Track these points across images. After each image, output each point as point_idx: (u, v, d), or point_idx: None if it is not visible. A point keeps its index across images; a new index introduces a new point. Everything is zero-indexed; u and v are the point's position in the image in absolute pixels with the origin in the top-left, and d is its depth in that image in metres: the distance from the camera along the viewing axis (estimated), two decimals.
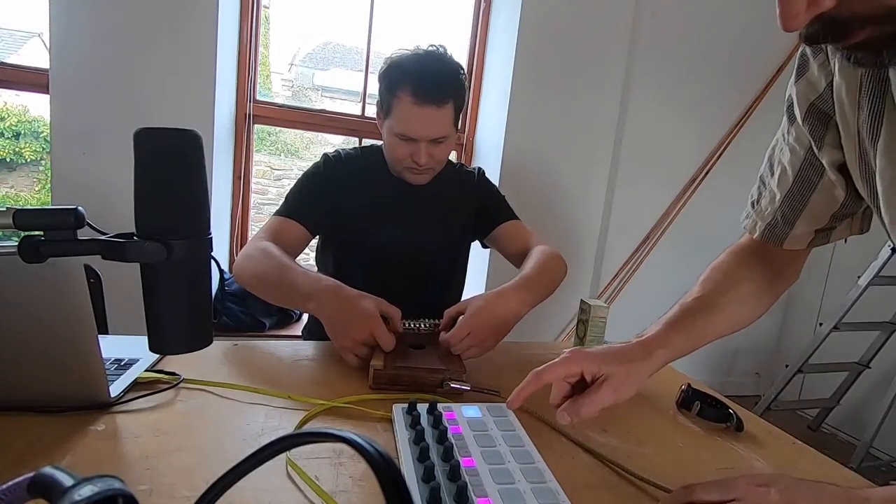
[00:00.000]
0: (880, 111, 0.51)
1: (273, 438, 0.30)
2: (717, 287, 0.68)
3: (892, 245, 2.10)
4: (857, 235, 0.68)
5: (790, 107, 0.63)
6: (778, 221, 0.67)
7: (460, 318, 0.84)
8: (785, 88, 0.64)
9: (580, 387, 0.59)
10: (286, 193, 1.11)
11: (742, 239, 0.74)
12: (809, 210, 0.65)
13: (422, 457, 0.55)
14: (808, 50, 0.59)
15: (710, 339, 0.67)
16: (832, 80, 0.56)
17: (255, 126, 2.11)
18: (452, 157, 1.22)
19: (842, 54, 0.42)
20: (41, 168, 4.69)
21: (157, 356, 0.77)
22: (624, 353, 0.60)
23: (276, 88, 5.73)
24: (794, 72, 0.61)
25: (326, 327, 0.82)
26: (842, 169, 0.60)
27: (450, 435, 0.60)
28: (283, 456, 0.55)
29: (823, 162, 0.61)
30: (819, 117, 0.59)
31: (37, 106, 4.46)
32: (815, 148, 0.61)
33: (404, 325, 0.90)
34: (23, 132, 4.64)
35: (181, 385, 0.71)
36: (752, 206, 0.72)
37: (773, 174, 0.68)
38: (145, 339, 0.41)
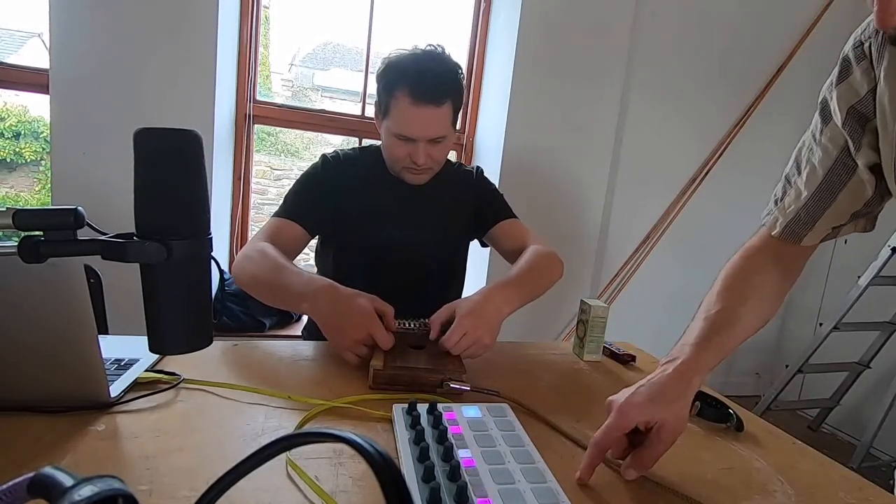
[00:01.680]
0: None
1: (273, 438, 0.30)
2: (737, 297, 0.69)
3: None
4: (858, 234, 0.70)
5: (825, 108, 0.65)
6: (801, 218, 0.69)
7: (454, 321, 0.84)
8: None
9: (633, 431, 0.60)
10: (285, 194, 1.11)
11: (753, 239, 0.75)
12: (833, 209, 0.66)
13: (422, 457, 0.55)
14: (851, 55, 0.60)
15: (735, 347, 0.68)
16: (875, 87, 0.58)
17: (255, 126, 2.11)
18: (452, 156, 1.22)
19: None
20: (41, 168, 4.69)
21: (157, 356, 0.77)
22: (666, 392, 0.60)
23: (276, 88, 5.72)
24: (836, 75, 0.63)
25: (322, 328, 0.82)
26: (874, 168, 0.62)
27: (450, 435, 0.60)
28: (283, 456, 0.55)
29: (859, 162, 0.62)
30: (858, 120, 0.61)
31: (37, 106, 4.46)
32: (852, 149, 0.62)
33: (403, 325, 0.90)
34: (23, 132, 4.64)
35: (181, 385, 0.71)
36: (776, 203, 0.73)
37: (800, 173, 0.69)
38: (145, 339, 0.41)
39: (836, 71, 0.62)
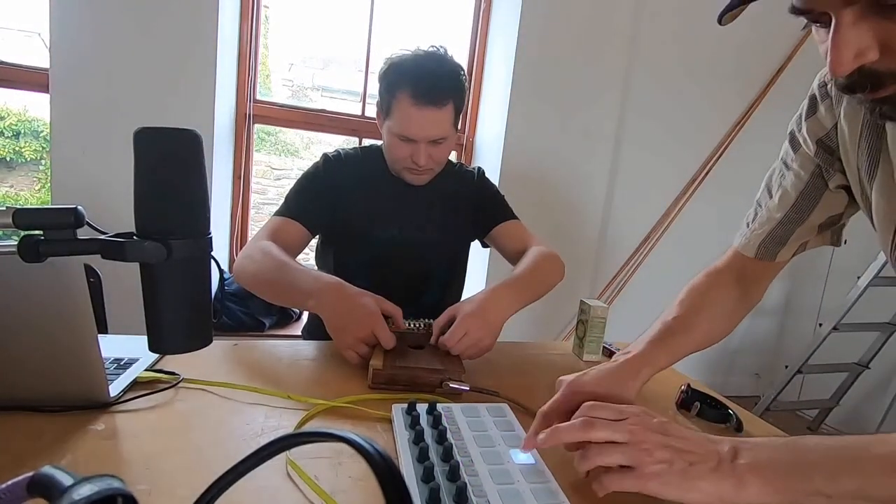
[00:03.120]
0: (876, 155, 0.58)
1: (273, 438, 0.30)
2: (694, 307, 0.75)
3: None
4: (857, 234, 0.76)
5: (793, 138, 0.70)
6: (775, 237, 0.74)
7: (455, 321, 0.84)
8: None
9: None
10: (286, 193, 1.11)
11: (719, 262, 0.80)
12: (805, 225, 0.71)
13: (421, 457, 0.55)
14: (817, 94, 0.66)
15: (687, 354, 0.73)
16: (836, 123, 0.63)
17: (255, 126, 2.11)
18: (452, 157, 1.22)
19: (868, 106, 0.47)
20: (41, 167, 4.69)
21: (156, 356, 0.77)
22: (615, 375, 0.65)
23: (276, 88, 5.73)
24: (805, 111, 0.68)
25: (327, 324, 0.82)
26: (845, 187, 0.67)
27: (449, 435, 0.60)
28: (282, 455, 0.55)
29: (830, 185, 0.67)
30: (826, 150, 0.66)
31: (37, 106, 4.46)
32: (825, 174, 0.68)
33: (405, 324, 0.90)
34: (22, 131, 4.64)
35: (181, 385, 0.71)
36: (748, 226, 0.77)
37: (771, 196, 0.74)
38: (145, 338, 0.41)
39: (804, 105, 0.68)
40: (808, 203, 0.70)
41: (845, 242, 0.74)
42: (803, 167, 0.69)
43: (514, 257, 1.13)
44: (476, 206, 1.19)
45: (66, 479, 0.25)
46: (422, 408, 0.66)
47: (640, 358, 0.68)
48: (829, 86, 0.64)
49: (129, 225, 0.39)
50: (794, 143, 0.70)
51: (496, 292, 0.90)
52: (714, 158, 2.42)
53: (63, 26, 1.66)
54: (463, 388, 0.75)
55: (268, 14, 2.62)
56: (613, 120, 2.24)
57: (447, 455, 0.56)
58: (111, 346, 0.77)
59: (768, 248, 0.74)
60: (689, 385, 0.82)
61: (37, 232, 0.38)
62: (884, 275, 2.16)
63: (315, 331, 1.14)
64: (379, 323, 0.79)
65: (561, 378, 0.65)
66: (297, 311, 2.09)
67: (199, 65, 1.77)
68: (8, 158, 4.62)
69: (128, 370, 0.72)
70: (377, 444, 0.27)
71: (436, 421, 0.63)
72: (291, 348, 0.90)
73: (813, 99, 0.67)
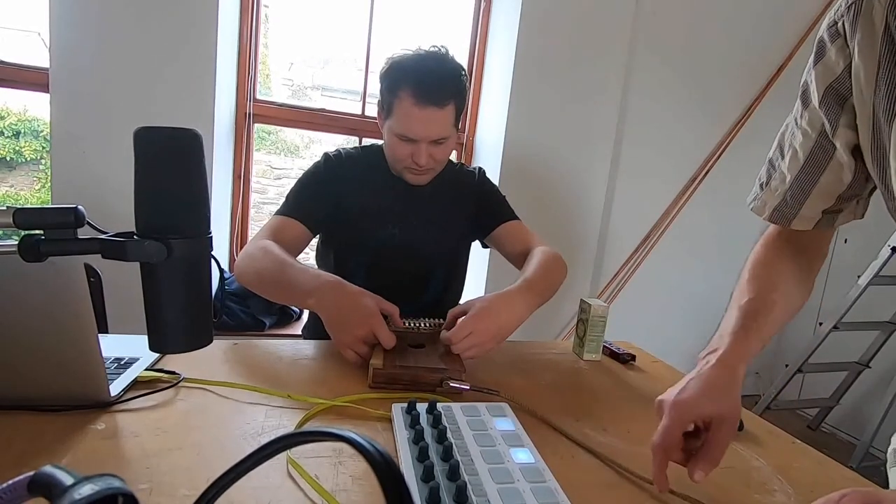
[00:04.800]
0: None
1: (273, 437, 0.30)
2: (766, 285, 0.69)
3: None
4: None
5: (805, 91, 0.66)
6: (787, 201, 0.70)
7: (462, 317, 0.84)
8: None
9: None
10: (286, 193, 1.11)
11: (769, 230, 0.76)
12: (818, 190, 0.67)
13: (421, 456, 0.55)
14: (825, 36, 0.62)
15: (773, 335, 0.67)
16: (850, 63, 0.59)
17: (255, 125, 2.11)
18: (453, 156, 1.22)
19: None
20: (41, 167, 4.69)
21: (157, 355, 0.77)
22: (715, 384, 0.58)
23: (275, 88, 5.73)
24: (812, 57, 0.64)
25: (326, 324, 0.82)
26: (854, 151, 0.63)
27: (449, 434, 0.60)
28: (283, 455, 0.55)
29: (837, 144, 0.63)
30: (836, 99, 0.62)
31: (37, 105, 4.46)
32: (829, 130, 0.63)
33: (404, 323, 0.90)
34: (23, 131, 4.65)
35: (181, 384, 0.71)
36: (761, 187, 0.73)
37: (783, 157, 0.70)
38: (145, 338, 0.41)
39: (812, 53, 0.64)
40: (817, 164, 0.66)
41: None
42: (811, 125, 0.66)
43: (515, 258, 1.12)
44: (477, 206, 1.19)
45: (67, 479, 0.25)
46: (422, 407, 0.66)
47: (732, 355, 0.61)
48: (839, 23, 0.59)
49: (129, 224, 0.39)
50: (805, 98, 0.66)
51: (511, 296, 0.88)
52: (714, 158, 2.42)
53: (63, 26, 1.66)
54: (463, 387, 0.75)
55: (268, 13, 2.61)
56: (613, 120, 2.24)
57: (447, 454, 0.56)
58: (111, 345, 0.77)
59: (783, 211, 0.70)
60: None
61: (37, 231, 0.38)
62: (884, 273, 2.16)
63: (315, 330, 1.14)
64: (379, 322, 0.79)
65: (660, 399, 0.59)
66: (298, 310, 2.09)
67: (199, 64, 1.76)
68: (8, 158, 4.63)
69: (128, 370, 0.72)
70: (377, 444, 0.27)
71: (436, 420, 0.63)
72: (292, 347, 0.90)
73: (821, 43, 0.62)
